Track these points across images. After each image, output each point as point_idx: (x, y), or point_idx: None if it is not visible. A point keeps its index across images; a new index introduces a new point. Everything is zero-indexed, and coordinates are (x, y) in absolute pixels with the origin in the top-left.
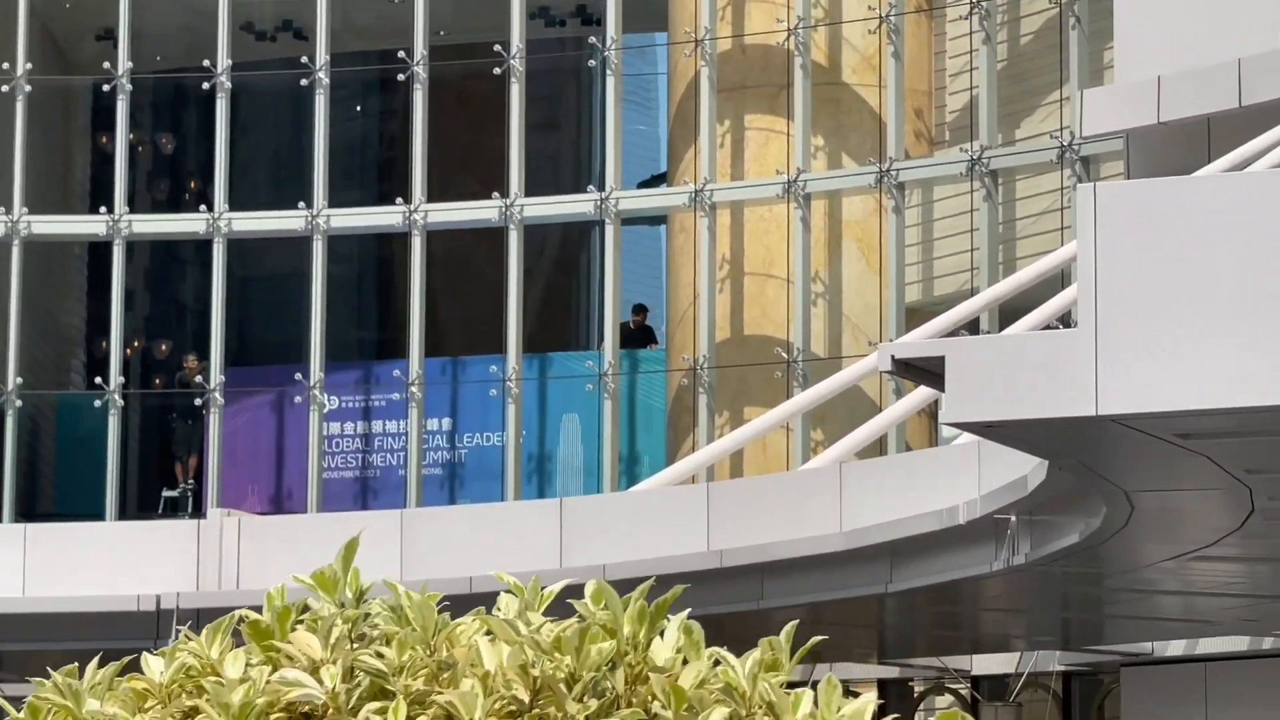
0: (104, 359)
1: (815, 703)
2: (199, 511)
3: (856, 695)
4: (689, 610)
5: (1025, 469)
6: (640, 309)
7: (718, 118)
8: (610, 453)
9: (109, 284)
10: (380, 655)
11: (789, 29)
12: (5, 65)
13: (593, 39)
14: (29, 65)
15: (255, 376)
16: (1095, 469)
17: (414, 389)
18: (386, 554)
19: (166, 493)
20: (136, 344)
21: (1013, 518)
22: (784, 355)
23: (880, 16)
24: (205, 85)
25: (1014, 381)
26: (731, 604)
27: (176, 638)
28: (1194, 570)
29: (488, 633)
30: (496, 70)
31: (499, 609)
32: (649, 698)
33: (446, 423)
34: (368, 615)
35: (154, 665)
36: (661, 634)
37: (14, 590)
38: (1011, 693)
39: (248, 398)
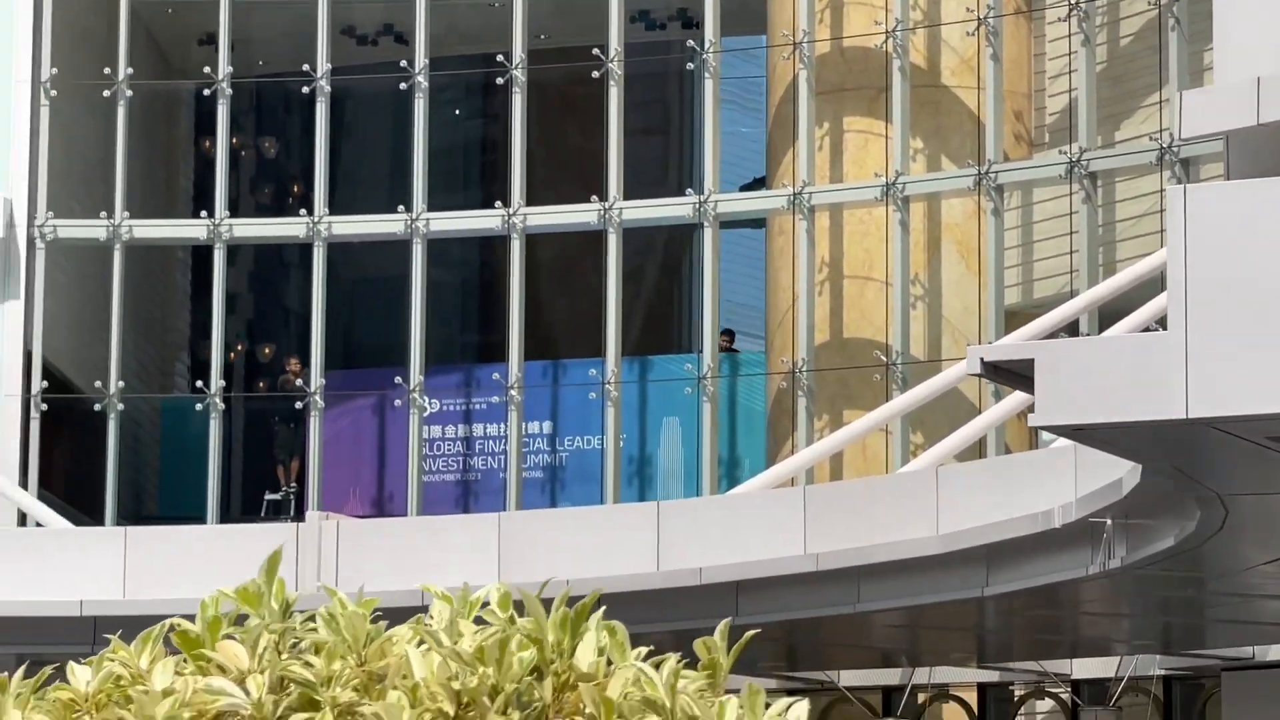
0: (206, 362)
1: (739, 710)
2: (301, 514)
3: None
4: (782, 614)
5: (1121, 472)
6: (728, 333)
7: (816, 120)
8: (710, 456)
9: (211, 288)
10: (309, 665)
11: (887, 31)
12: (108, 70)
13: (691, 42)
14: (131, 70)
15: (356, 380)
16: (1188, 472)
17: (514, 392)
18: (484, 557)
19: (269, 496)
20: (239, 347)
21: (1108, 521)
22: (883, 358)
23: (979, 18)
24: (306, 89)
25: (1104, 384)
26: (828, 607)
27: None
28: None
29: (421, 643)
30: (595, 74)
31: (431, 617)
32: (578, 706)
33: (547, 426)
34: (293, 629)
35: (80, 674)
36: (582, 639)
37: (114, 593)
38: (1112, 697)
39: (349, 401)
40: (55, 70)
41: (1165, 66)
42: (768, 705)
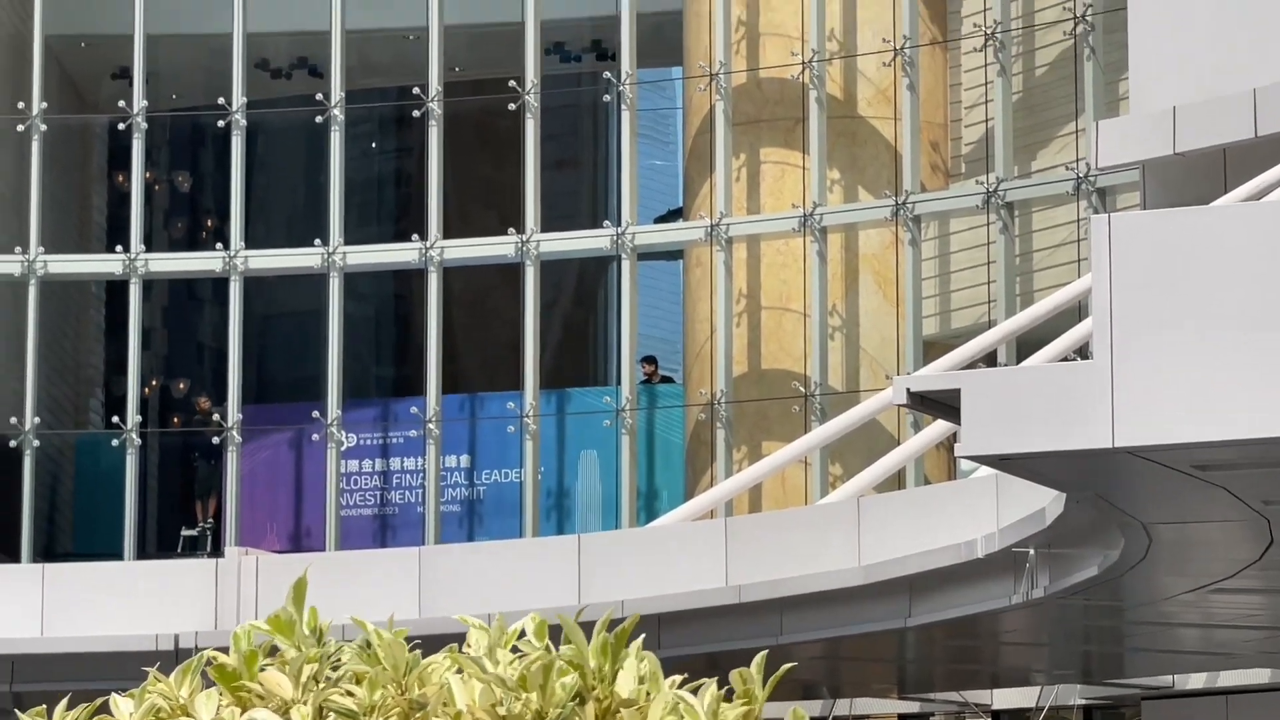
0: (122, 398)
1: None
2: (218, 550)
3: None
4: (705, 645)
5: (1044, 502)
6: (650, 360)
7: (733, 151)
8: (629, 488)
9: (126, 323)
10: (350, 694)
11: (803, 62)
12: (21, 105)
13: (608, 74)
14: (45, 104)
15: (273, 414)
16: (1113, 501)
17: (432, 426)
18: (405, 591)
19: (185, 531)
20: (154, 383)
21: (1031, 551)
22: (801, 389)
23: (895, 49)
24: (221, 123)
25: (1030, 414)
26: (750, 639)
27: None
28: (1214, 602)
29: (459, 670)
30: (512, 106)
31: (469, 646)
32: None
33: (465, 459)
34: (329, 655)
35: (124, 706)
36: (622, 665)
37: (33, 630)
38: None
39: (266, 436)
40: None
41: (1081, 96)
42: None
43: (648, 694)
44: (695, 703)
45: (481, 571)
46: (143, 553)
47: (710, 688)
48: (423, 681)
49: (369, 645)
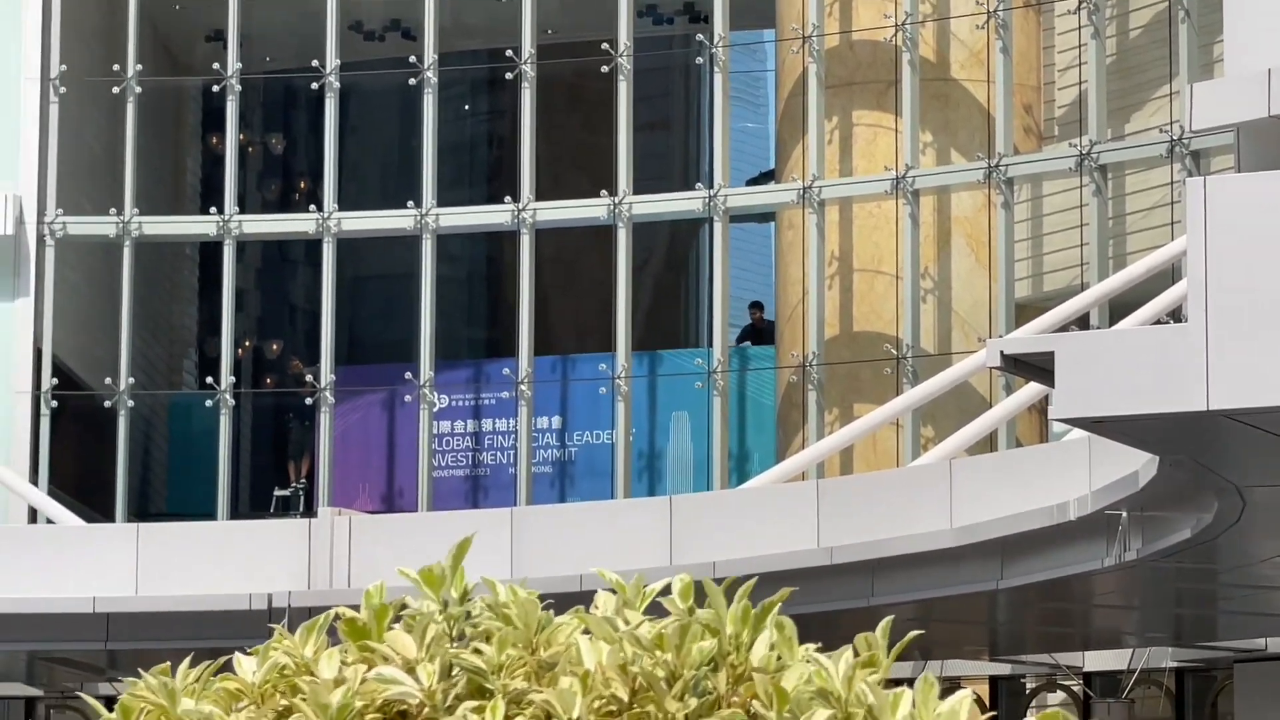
0: (215, 359)
1: (913, 702)
2: (310, 510)
3: (959, 687)
4: (797, 607)
5: (1136, 465)
6: (757, 305)
7: (826, 114)
8: (720, 450)
9: (220, 284)
10: (479, 653)
11: (897, 25)
12: (116, 67)
13: (700, 36)
14: (140, 67)
15: (366, 375)
16: (1206, 464)
17: (524, 387)
18: (497, 552)
19: (278, 492)
20: (248, 344)
21: (1124, 514)
22: (893, 352)
23: (988, 11)
24: (314, 85)
25: (1124, 377)
26: (841, 601)
27: (292, 633)
28: None
29: (586, 631)
30: (604, 68)
31: (597, 607)
32: (749, 698)
33: (556, 421)
34: (469, 615)
35: (246, 665)
36: (761, 634)
37: (127, 589)
38: (1123, 689)
39: (358, 397)
40: (64, 67)
41: (1175, 58)
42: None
43: (778, 658)
44: (831, 666)
45: (573, 533)
46: (235, 513)
47: (846, 654)
48: (550, 642)
49: (497, 604)
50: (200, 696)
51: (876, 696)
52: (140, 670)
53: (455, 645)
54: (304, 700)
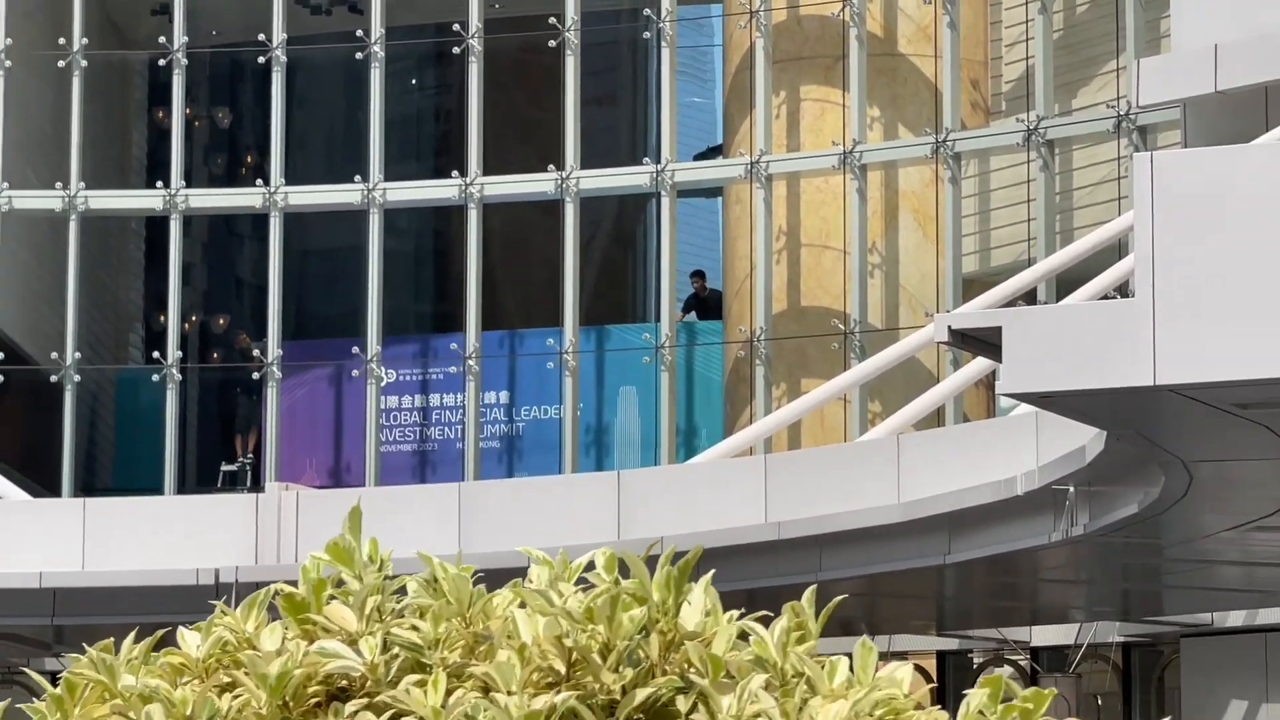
0: (162, 333)
1: (850, 668)
2: (257, 485)
3: (904, 659)
4: (745, 582)
5: (1084, 439)
6: (699, 274)
7: (773, 89)
8: (668, 425)
9: (166, 259)
10: (415, 628)
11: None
12: (62, 41)
13: (648, 11)
14: (85, 41)
15: (313, 350)
16: (1153, 439)
17: (471, 362)
18: (445, 527)
19: (225, 466)
20: (194, 318)
21: (1071, 488)
22: (841, 327)
23: None
24: (261, 59)
25: (1072, 352)
26: (789, 576)
27: (238, 607)
28: (1254, 540)
29: (522, 604)
30: (552, 43)
31: (530, 580)
32: (684, 664)
33: (504, 396)
34: (389, 580)
35: (190, 639)
36: (688, 599)
37: (74, 564)
38: (1071, 664)
39: (305, 371)
40: (9, 41)
41: (1122, 34)
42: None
43: (710, 628)
44: (765, 635)
45: (521, 508)
46: (182, 488)
47: (780, 621)
48: (486, 615)
49: (432, 580)
50: (143, 671)
51: (809, 668)
52: (85, 646)
53: (389, 619)
54: (245, 673)
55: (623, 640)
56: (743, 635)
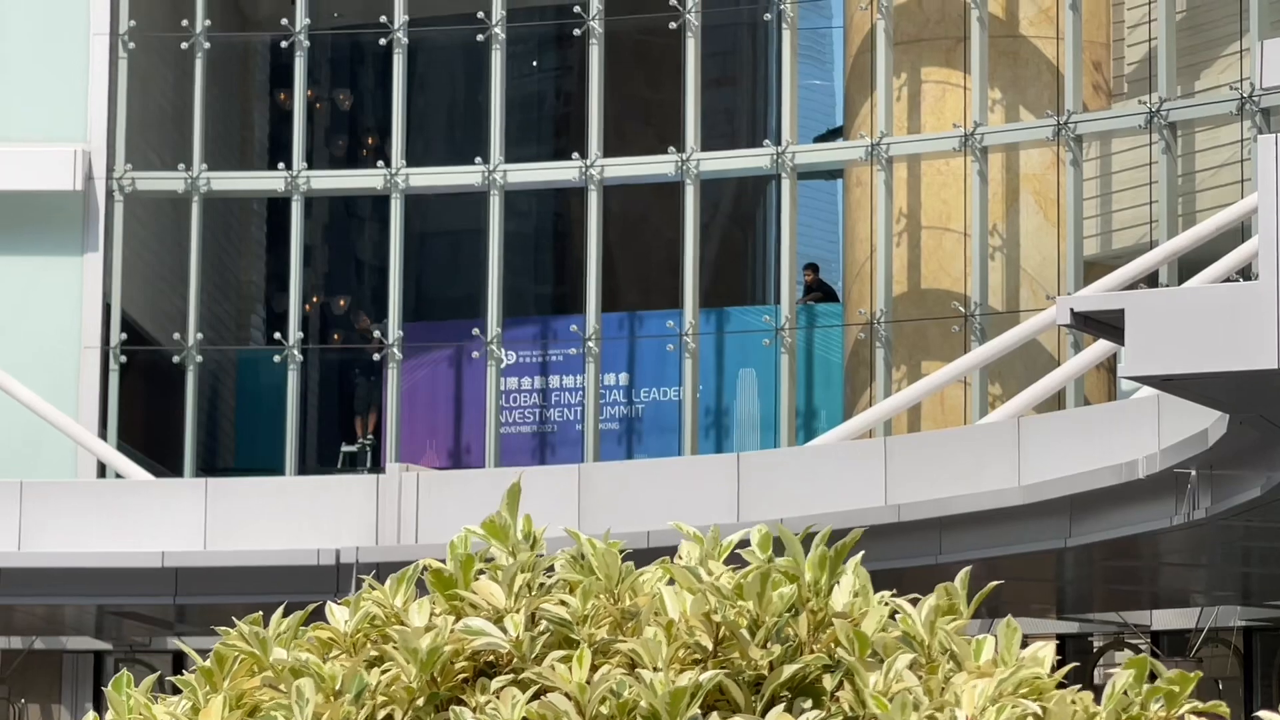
0: (283, 315)
1: (995, 648)
2: (377, 466)
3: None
4: (863, 560)
5: (1206, 423)
6: (811, 266)
7: (894, 71)
8: (787, 407)
9: (288, 240)
10: (564, 604)
11: None
12: (185, 23)
13: None
14: (208, 23)
15: (433, 332)
16: (1277, 422)
17: (591, 344)
18: (564, 508)
19: (345, 448)
20: (315, 300)
21: (1193, 472)
22: (961, 309)
23: None
24: (382, 41)
25: (1194, 335)
26: (909, 558)
27: (359, 589)
28: None
29: (670, 582)
30: (673, 25)
31: (680, 557)
32: (831, 643)
33: (624, 378)
34: (541, 557)
35: (339, 614)
36: (839, 580)
37: (195, 544)
38: (1192, 648)
39: (426, 353)
40: (132, 23)
41: (1245, 15)
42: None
43: (860, 609)
44: (914, 613)
45: (640, 489)
46: (303, 468)
47: (929, 600)
48: (635, 592)
49: (581, 556)
50: (293, 646)
51: (956, 643)
52: (212, 625)
53: (537, 594)
54: (395, 648)
55: (772, 617)
56: (892, 615)
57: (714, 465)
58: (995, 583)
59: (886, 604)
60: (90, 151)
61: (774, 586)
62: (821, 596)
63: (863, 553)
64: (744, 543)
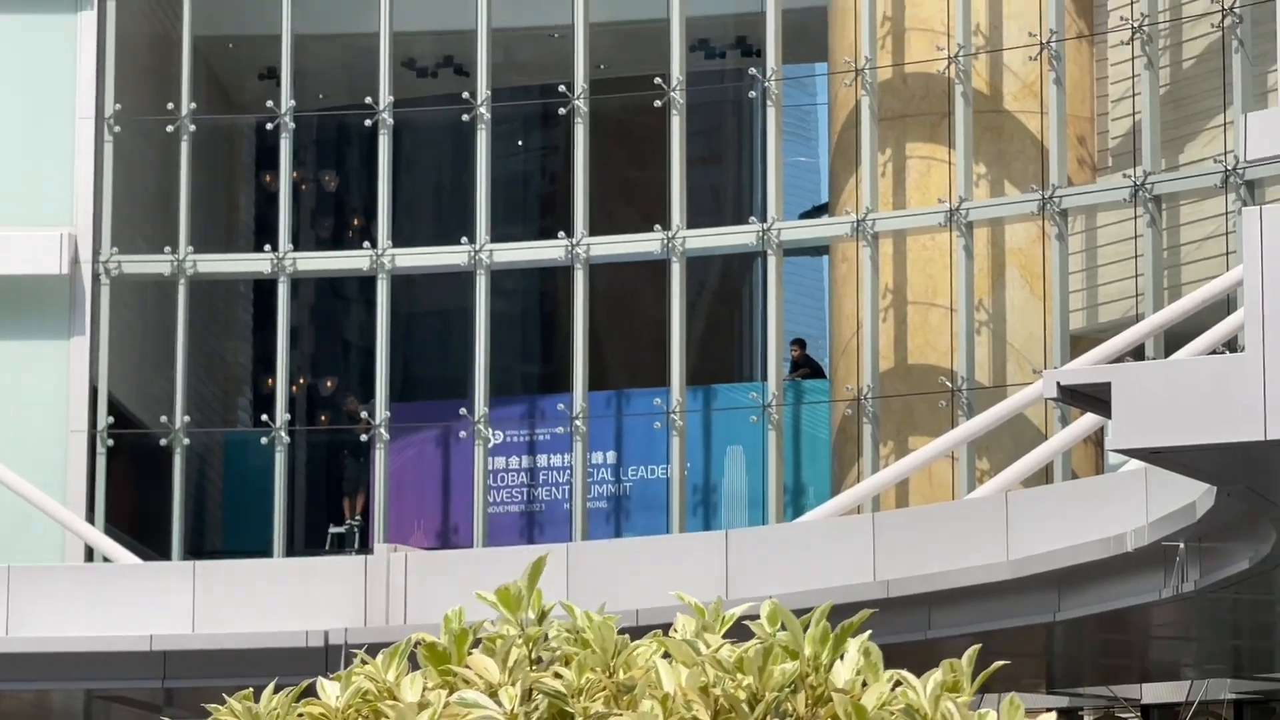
0: (270, 396)
1: None
2: (366, 547)
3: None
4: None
5: (1194, 495)
6: (798, 342)
7: (879, 147)
8: (775, 484)
9: (274, 322)
10: (559, 676)
11: (949, 57)
12: (170, 105)
13: (753, 70)
14: (193, 105)
15: (420, 412)
16: (1264, 494)
17: (578, 422)
18: (553, 587)
19: (333, 529)
20: (302, 381)
21: (1181, 545)
22: (948, 384)
23: (1041, 43)
24: (367, 122)
25: (1181, 407)
26: (899, 634)
27: (349, 665)
28: None
29: (665, 655)
30: (657, 103)
31: (676, 630)
32: (830, 719)
33: (611, 456)
34: (547, 636)
35: (330, 690)
36: (842, 656)
37: (184, 627)
38: None
39: (413, 433)
40: (118, 106)
41: (1229, 88)
42: None
43: (863, 684)
44: (919, 686)
45: (629, 567)
46: (291, 550)
47: (935, 675)
48: (629, 665)
49: (575, 630)
50: None
51: (963, 716)
52: (202, 705)
53: (534, 669)
54: None
55: (771, 692)
56: (894, 686)
57: (702, 542)
58: (1001, 662)
59: (892, 679)
60: (76, 235)
61: (776, 661)
62: (821, 672)
63: (870, 631)
64: (745, 616)
